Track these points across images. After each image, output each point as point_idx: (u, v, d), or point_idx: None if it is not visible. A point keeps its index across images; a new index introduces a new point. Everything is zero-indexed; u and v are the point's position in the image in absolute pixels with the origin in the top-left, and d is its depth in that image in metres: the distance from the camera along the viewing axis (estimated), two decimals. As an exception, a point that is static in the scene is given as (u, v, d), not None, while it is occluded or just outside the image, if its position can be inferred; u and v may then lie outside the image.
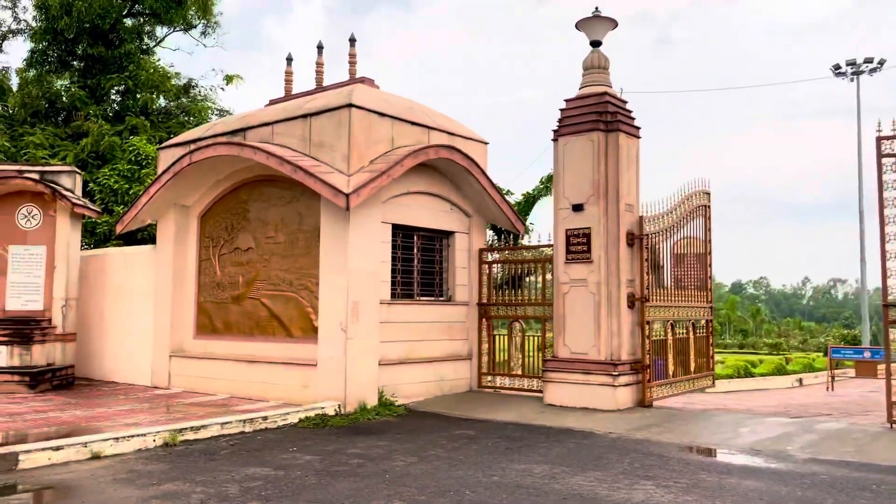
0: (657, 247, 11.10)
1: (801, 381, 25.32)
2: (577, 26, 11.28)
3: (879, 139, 8.84)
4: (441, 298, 12.41)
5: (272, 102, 13.68)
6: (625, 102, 11.18)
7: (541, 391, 11.17)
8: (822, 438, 8.25)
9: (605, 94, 10.89)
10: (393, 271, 11.53)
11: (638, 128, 11.20)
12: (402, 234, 11.79)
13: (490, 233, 19.17)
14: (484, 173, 12.38)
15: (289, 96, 13.51)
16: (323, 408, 9.99)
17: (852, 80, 48.92)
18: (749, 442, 8.19)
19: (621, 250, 10.60)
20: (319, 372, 10.57)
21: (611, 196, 10.66)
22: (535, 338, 12.08)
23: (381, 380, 10.81)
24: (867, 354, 22.38)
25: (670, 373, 11.26)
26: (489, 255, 12.86)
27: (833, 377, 22.73)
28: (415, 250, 12.06)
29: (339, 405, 10.17)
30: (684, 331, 11.76)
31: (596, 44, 11.28)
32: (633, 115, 11.16)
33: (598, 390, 10.35)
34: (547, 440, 8.42)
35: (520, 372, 12.16)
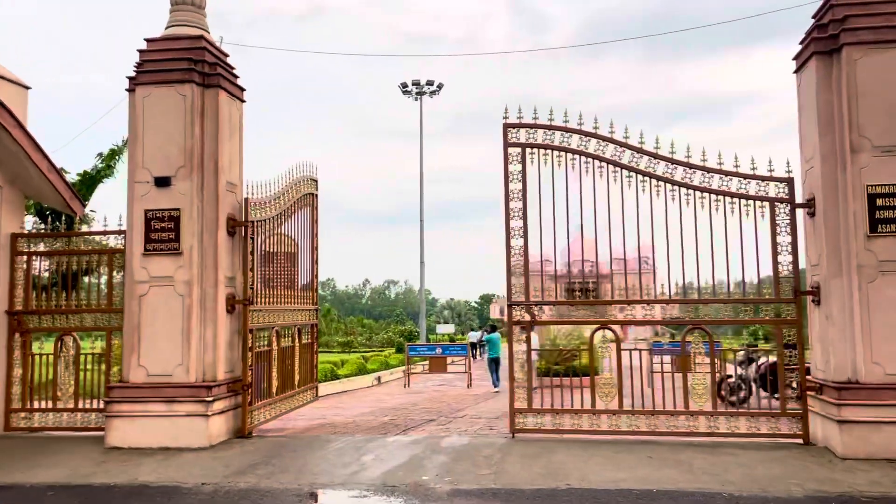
0: (263, 238, 9.08)
1: (379, 379, 25.89)
2: (166, -53, 8.63)
3: (506, 127, 8.28)
4: (-55, 305, 8.43)
5: None
6: (226, 55, 8.92)
7: (104, 429, 8.20)
8: (454, 460, 7.21)
9: (202, 38, 8.48)
10: None
11: (243, 89, 9.05)
12: None
13: (34, 219, 14.91)
14: (22, 127, 8.78)
15: None
16: None
17: (416, 99, 53.95)
18: (380, 475, 6.71)
19: (220, 240, 8.32)
20: None
21: (208, 170, 8.31)
22: (98, 357, 9.00)
23: None
24: (439, 351, 23.80)
25: (274, 390, 9.35)
26: (29, 243, 9.28)
27: (409, 374, 23.65)
28: None
29: None
30: (290, 339, 9.98)
31: (190, -25, 8.78)
32: (236, 71, 8.96)
33: (187, 423, 7.88)
34: (112, 512, 5.73)
35: (73, 405, 8.92)
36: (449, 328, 61.53)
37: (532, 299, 8.09)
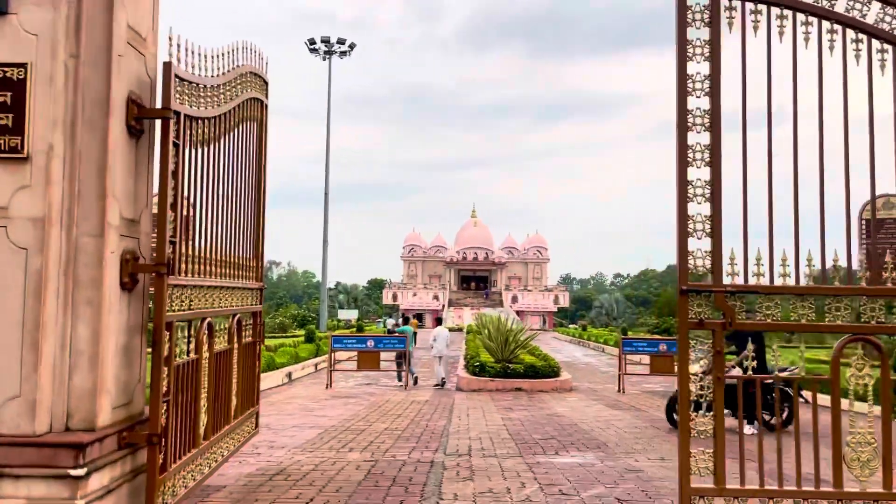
0: (193, 152, 4.82)
1: (290, 375, 21.45)
2: None
3: (681, -38, 4.46)
4: None
5: None
6: None
7: None
8: None
9: None
10: None
11: None
12: None
13: None
14: None
15: None
16: None
17: (325, 58, 49.12)
18: None
19: (112, 141, 4.03)
20: None
21: (91, -9, 3.99)
22: None
23: None
24: (370, 344, 19.63)
25: (202, 430, 5.14)
26: None
27: (332, 371, 19.41)
28: None
29: None
30: (226, 337, 5.76)
31: None
32: None
33: (25, 528, 3.60)
34: None
35: None
36: (352, 314, 56.73)
37: (726, 282, 4.34)
